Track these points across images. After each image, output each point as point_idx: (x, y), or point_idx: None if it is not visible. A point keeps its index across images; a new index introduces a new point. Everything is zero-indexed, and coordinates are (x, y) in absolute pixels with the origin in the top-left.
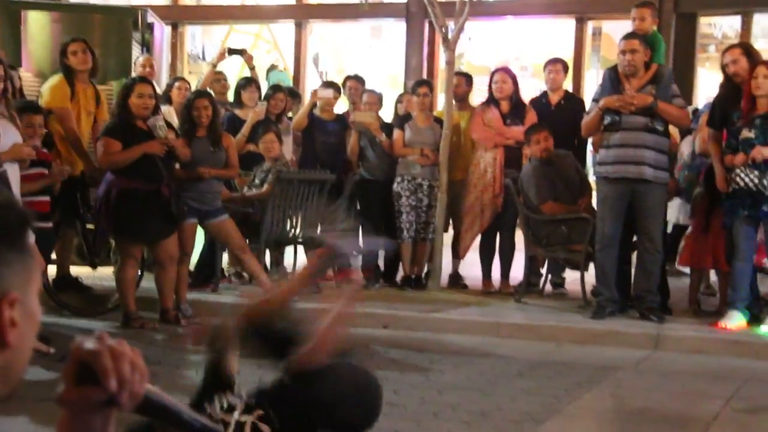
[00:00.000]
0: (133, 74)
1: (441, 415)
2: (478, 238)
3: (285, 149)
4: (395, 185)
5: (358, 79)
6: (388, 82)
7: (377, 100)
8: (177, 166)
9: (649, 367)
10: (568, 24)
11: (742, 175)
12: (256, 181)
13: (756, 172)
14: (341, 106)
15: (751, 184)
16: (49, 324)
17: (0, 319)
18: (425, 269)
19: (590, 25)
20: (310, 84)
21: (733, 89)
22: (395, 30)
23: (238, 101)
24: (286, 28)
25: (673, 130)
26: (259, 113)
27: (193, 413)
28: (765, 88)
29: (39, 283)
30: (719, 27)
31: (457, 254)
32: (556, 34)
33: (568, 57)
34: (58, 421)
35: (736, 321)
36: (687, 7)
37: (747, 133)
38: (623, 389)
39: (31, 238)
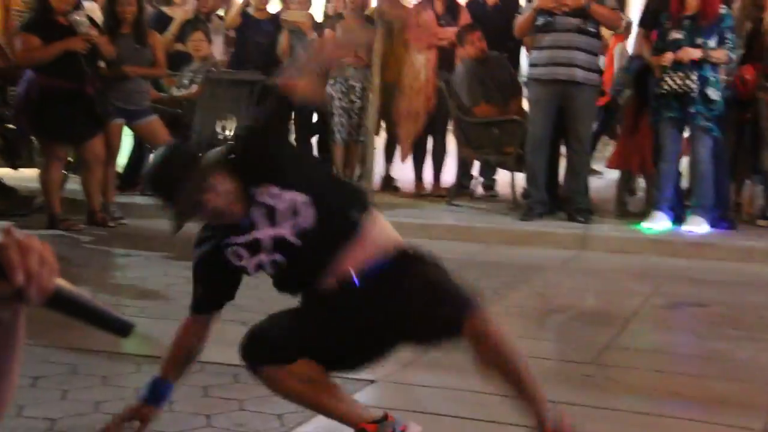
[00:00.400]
0: None
1: None
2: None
3: (214, 49)
4: (327, 87)
5: None
6: None
7: None
8: (101, 64)
9: (575, 267)
10: None
11: (668, 79)
12: (185, 81)
13: (680, 74)
14: (274, 5)
15: (676, 87)
16: None
17: None
18: (357, 171)
19: None
20: None
21: None
22: None
23: None
24: None
25: (605, 32)
26: (187, 11)
27: (106, 307)
28: None
29: None
30: None
31: (390, 157)
32: None
33: None
34: None
35: (659, 221)
36: None
37: (675, 35)
38: (549, 288)
39: None
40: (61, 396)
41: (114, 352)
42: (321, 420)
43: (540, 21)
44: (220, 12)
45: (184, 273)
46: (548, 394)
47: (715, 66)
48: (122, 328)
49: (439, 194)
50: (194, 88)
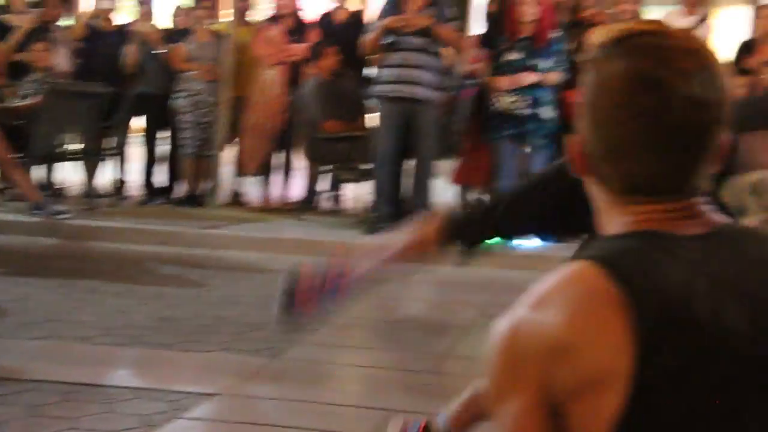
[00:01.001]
0: None
1: (213, 328)
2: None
3: (59, 60)
4: (175, 101)
5: None
6: None
7: (151, 10)
8: None
9: (419, 279)
10: None
11: (501, 100)
12: (26, 91)
13: (514, 96)
14: (121, 17)
15: (509, 108)
16: None
17: None
18: (206, 186)
19: None
20: None
21: (505, 9)
22: None
23: (7, 6)
24: None
25: (449, 51)
26: (31, 20)
27: None
28: (528, 15)
29: None
30: None
31: (240, 172)
32: None
33: None
34: None
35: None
36: None
37: (511, 56)
38: (392, 300)
39: None
40: None
41: None
42: None
43: (386, 40)
44: (65, 22)
45: (19, 289)
46: (389, 403)
47: (547, 87)
48: None
49: (286, 208)
50: (36, 98)
